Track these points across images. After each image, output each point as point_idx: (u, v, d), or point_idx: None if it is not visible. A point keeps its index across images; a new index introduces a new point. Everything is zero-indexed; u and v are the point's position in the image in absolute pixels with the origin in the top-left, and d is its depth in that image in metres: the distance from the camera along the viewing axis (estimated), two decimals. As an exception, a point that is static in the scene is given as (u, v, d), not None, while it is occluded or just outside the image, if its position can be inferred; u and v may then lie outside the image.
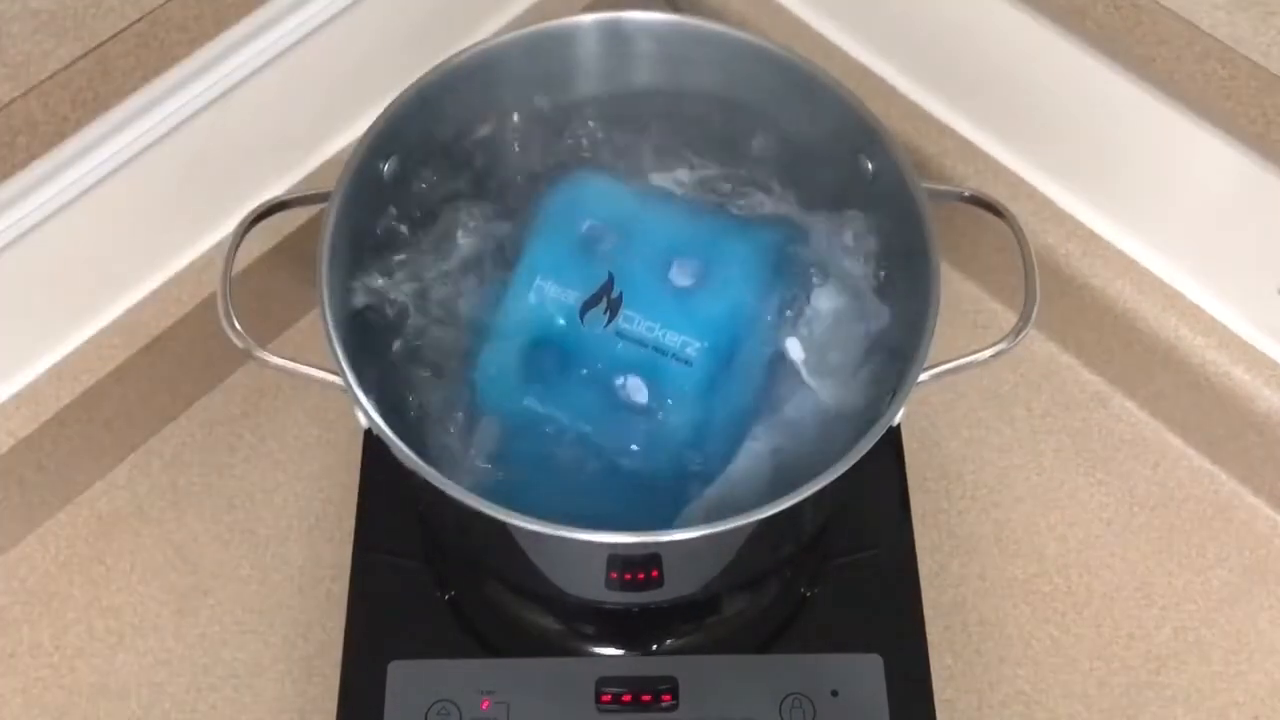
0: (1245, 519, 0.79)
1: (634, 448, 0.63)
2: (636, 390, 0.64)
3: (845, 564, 0.73)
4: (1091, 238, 0.79)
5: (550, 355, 0.65)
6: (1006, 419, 0.82)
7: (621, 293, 0.65)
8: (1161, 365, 0.78)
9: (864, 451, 0.57)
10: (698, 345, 0.64)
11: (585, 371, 0.64)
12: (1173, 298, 0.78)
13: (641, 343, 0.65)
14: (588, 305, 0.65)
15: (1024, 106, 0.78)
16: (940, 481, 0.80)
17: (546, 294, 0.66)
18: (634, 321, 0.65)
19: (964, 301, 0.86)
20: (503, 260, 0.69)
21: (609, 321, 0.65)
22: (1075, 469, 0.80)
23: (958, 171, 0.82)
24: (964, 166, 0.82)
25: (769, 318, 0.67)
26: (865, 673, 0.67)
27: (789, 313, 0.67)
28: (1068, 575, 0.76)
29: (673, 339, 0.64)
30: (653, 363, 0.64)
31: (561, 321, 0.65)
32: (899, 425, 0.68)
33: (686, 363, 0.64)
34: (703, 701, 0.66)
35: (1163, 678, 0.73)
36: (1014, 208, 0.78)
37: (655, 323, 0.65)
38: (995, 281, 0.86)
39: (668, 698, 0.66)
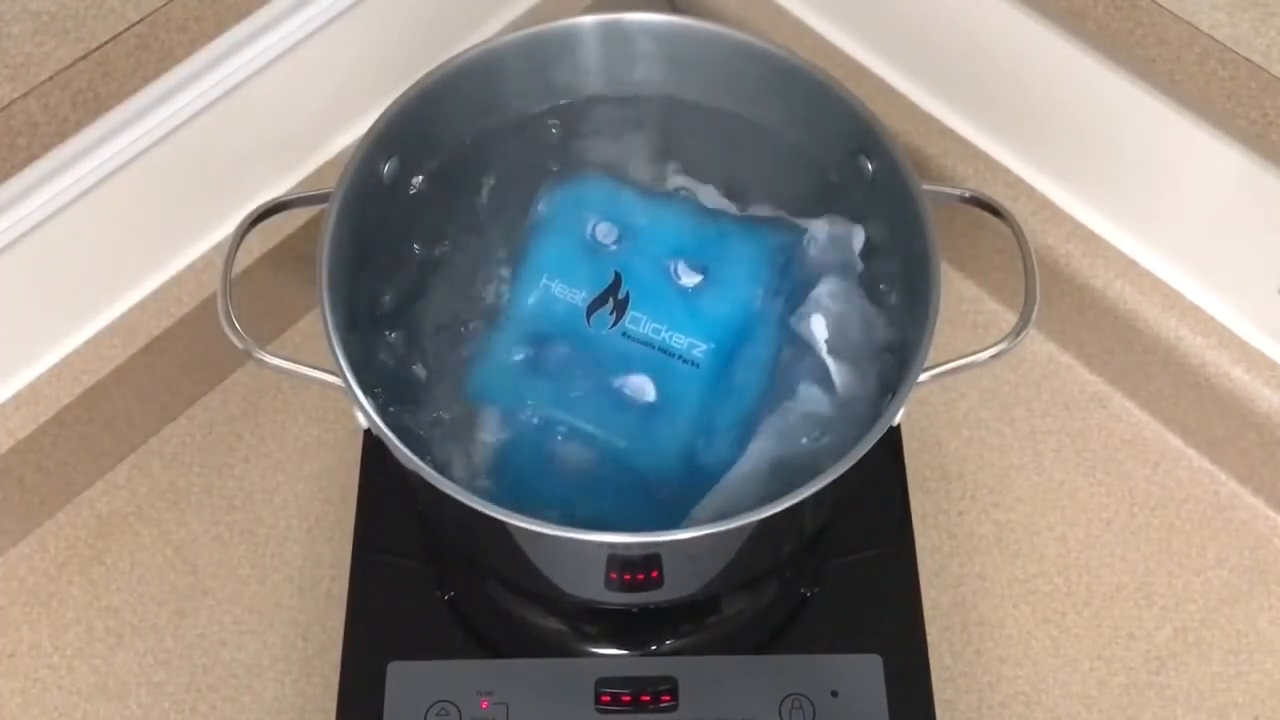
0: (1245, 519, 0.79)
1: (639, 448, 0.63)
2: (642, 390, 0.64)
3: (845, 564, 0.73)
4: (1091, 238, 0.79)
5: (556, 354, 0.65)
6: (1006, 419, 0.82)
7: (629, 293, 0.65)
8: (1161, 365, 0.78)
9: (863, 452, 0.57)
10: (704, 347, 0.64)
11: (591, 371, 0.64)
12: (1173, 298, 0.78)
13: (648, 344, 0.65)
14: (594, 305, 0.65)
15: (1024, 106, 0.78)
16: (940, 481, 0.80)
17: (553, 293, 0.66)
18: (640, 323, 0.65)
19: (964, 301, 0.86)
20: (508, 259, 0.69)
21: (615, 322, 0.65)
22: (1075, 469, 0.80)
23: (957, 171, 0.82)
24: (964, 166, 0.82)
25: (774, 319, 0.67)
26: (865, 673, 0.67)
27: (794, 314, 0.67)
28: (1067, 575, 0.77)
29: (679, 340, 0.64)
30: (659, 363, 0.64)
31: (568, 321, 0.65)
32: (899, 425, 0.68)
33: (693, 364, 0.64)
34: (702, 702, 0.66)
35: (1163, 678, 0.73)
36: (1014, 208, 0.79)
37: (662, 324, 0.65)
38: (995, 281, 0.86)
39: (667, 698, 0.66)
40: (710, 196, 0.71)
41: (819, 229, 0.69)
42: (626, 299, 0.65)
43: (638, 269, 0.66)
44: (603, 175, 0.70)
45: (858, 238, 0.69)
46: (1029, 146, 0.81)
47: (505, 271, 0.68)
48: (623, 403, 0.64)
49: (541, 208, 0.69)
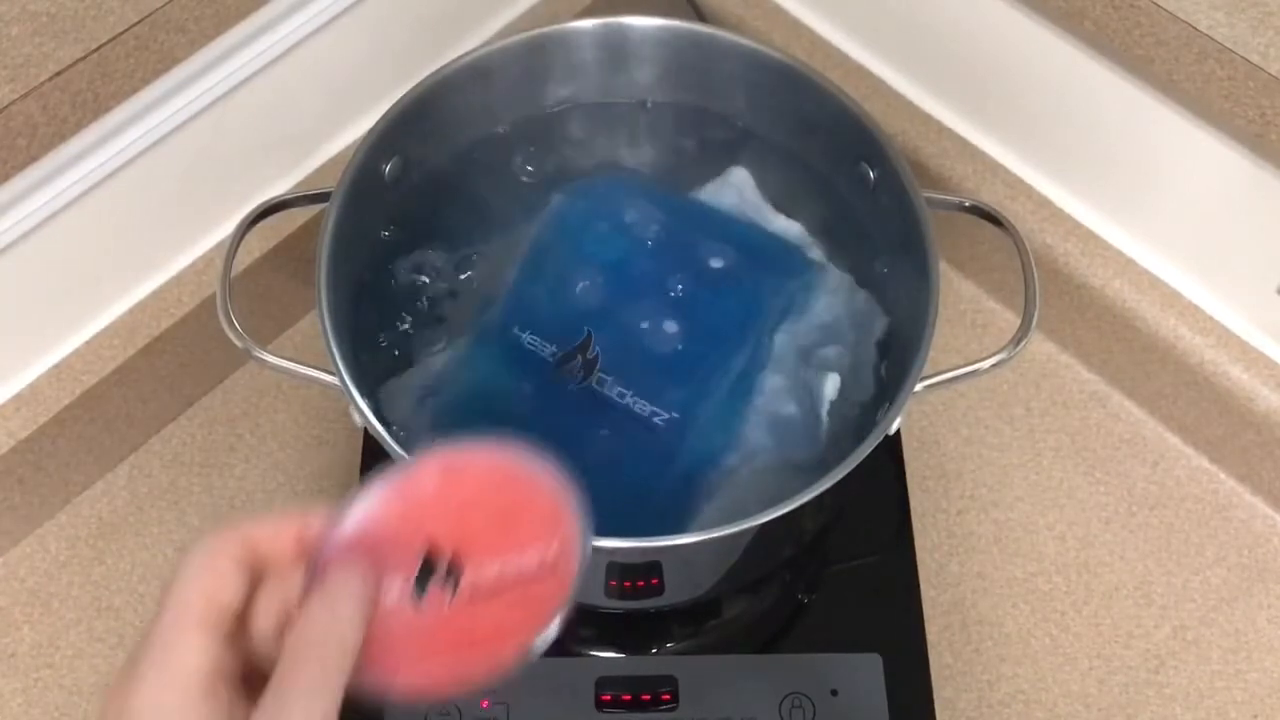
0: (1244, 518, 0.79)
1: (593, 500, 0.63)
2: (602, 445, 0.63)
3: (845, 564, 0.73)
4: (1090, 237, 0.80)
5: (521, 401, 0.65)
6: (1005, 418, 0.82)
7: (598, 354, 0.65)
8: (1160, 364, 0.79)
9: (860, 459, 0.57)
10: (666, 417, 0.64)
11: (553, 421, 0.64)
12: (1171, 297, 0.78)
13: (612, 405, 0.64)
14: (564, 360, 0.65)
15: (1023, 106, 0.78)
16: (940, 481, 0.80)
17: (523, 343, 0.66)
18: (606, 384, 0.65)
19: (962, 300, 0.86)
20: (497, 281, 0.69)
21: (583, 379, 0.65)
22: (1074, 468, 0.80)
23: (956, 172, 0.81)
24: (963, 167, 0.82)
25: (752, 380, 0.66)
26: (865, 672, 0.67)
27: (806, 362, 0.67)
28: (1067, 574, 0.77)
29: (642, 407, 0.64)
30: (620, 423, 0.64)
31: (536, 369, 0.65)
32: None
33: (652, 431, 0.64)
34: (702, 701, 0.66)
35: (1162, 676, 0.74)
36: (1013, 207, 0.79)
37: (628, 389, 0.64)
38: (994, 280, 0.86)
39: (667, 697, 0.66)
40: (704, 219, 0.71)
41: (839, 289, 0.69)
42: (596, 358, 0.65)
43: (612, 323, 0.66)
44: (590, 208, 0.70)
45: (878, 326, 0.68)
46: (1027, 146, 0.81)
47: (494, 288, 0.68)
48: (580, 456, 0.63)
49: (525, 243, 0.69)
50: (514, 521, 0.44)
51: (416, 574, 0.42)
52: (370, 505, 0.43)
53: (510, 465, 0.44)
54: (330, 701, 0.36)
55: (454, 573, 0.42)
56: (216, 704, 0.35)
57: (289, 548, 0.40)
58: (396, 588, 0.41)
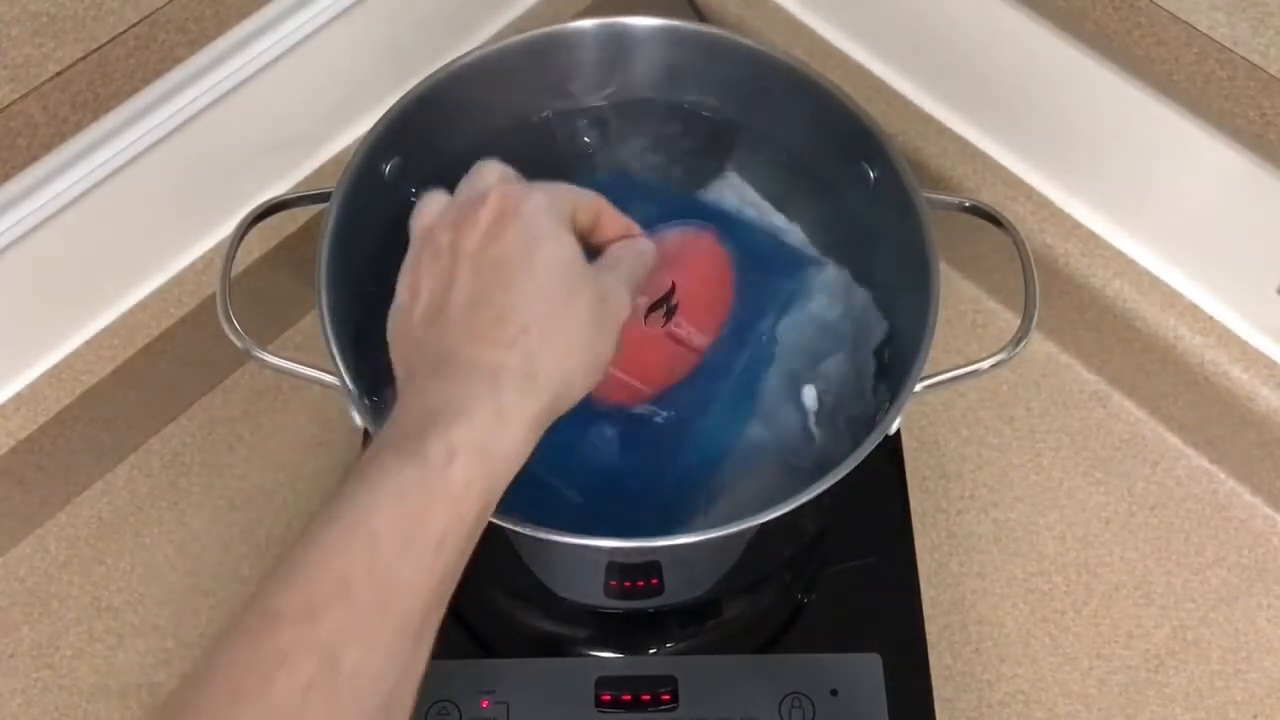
0: (1244, 518, 0.79)
1: (594, 503, 0.63)
2: (603, 444, 0.63)
3: (846, 564, 0.73)
4: (1090, 238, 0.79)
5: None
6: (1006, 419, 0.82)
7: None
8: (1160, 365, 0.78)
9: (859, 460, 0.57)
10: (665, 415, 0.64)
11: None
12: (1171, 297, 0.78)
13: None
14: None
15: (1023, 107, 0.78)
16: (940, 481, 0.80)
17: None
18: None
19: (962, 301, 0.86)
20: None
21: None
22: (1074, 468, 0.80)
23: (957, 172, 0.81)
24: (963, 167, 0.82)
25: (752, 379, 0.66)
26: (865, 672, 0.67)
27: (793, 375, 0.67)
28: (1067, 574, 0.77)
29: (642, 407, 0.64)
30: (621, 422, 0.64)
31: None
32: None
33: (652, 430, 0.64)
34: (702, 701, 0.66)
35: (1161, 676, 0.74)
36: (1012, 208, 0.79)
37: None
38: (994, 280, 0.86)
39: (667, 697, 0.66)
40: (754, 203, 0.71)
41: (808, 267, 0.69)
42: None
43: None
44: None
45: (878, 330, 0.68)
46: (1028, 147, 0.81)
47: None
48: (581, 456, 0.63)
49: None
50: (714, 312, 0.64)
51: (656, 300, 0.61)
52: (668, 238, 0.61)
53: (730, 280, 0.65)
54: (638, 280, 0.53)
55: (671, 315, 0.62)
56: (572, 227, 0.51)
57: (609, 234, 0.55)
58: (639, 301, 0.57)
